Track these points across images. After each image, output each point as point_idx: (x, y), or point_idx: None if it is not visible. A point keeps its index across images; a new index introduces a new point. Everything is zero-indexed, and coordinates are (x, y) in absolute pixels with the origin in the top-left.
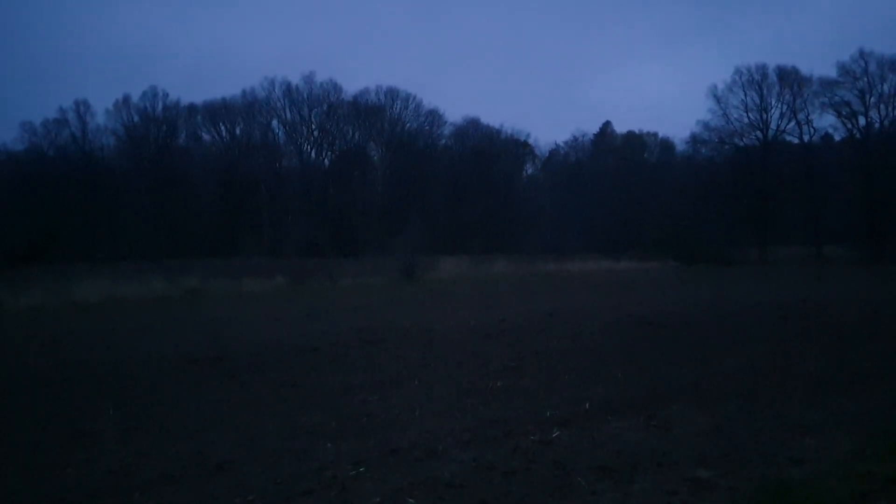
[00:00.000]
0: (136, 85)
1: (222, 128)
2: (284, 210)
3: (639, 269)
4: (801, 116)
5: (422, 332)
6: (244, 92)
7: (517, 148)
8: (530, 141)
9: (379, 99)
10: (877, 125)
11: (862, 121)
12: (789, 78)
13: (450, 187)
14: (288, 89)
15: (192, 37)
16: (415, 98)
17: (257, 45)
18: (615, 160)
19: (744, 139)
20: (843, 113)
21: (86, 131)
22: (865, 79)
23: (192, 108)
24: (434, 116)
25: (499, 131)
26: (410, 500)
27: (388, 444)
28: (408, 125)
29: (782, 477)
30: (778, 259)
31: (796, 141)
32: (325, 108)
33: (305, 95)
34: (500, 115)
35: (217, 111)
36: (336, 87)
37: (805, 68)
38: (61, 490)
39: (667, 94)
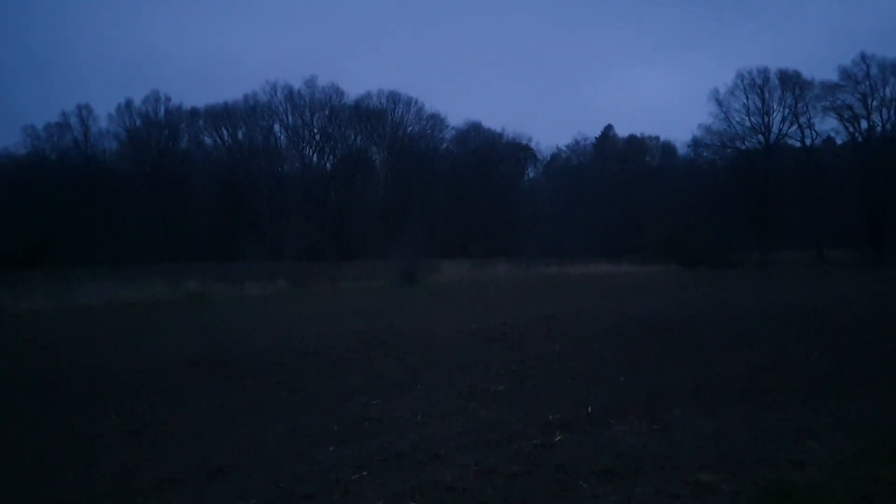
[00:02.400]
0: (138, 89)
1: (224, 132)
2: (286, 214)
3: (640, 273)
4: (802, 120)
5: (423, 336)
6: (246, 96)
7: (519, 151)
8: (532, 144)
9: (381, 103)
10: (878, 129)
11: (864, 124)
12: (791, 82)
13: (451, 191)
14: (290, 93)
15: (195, 41)
16: (416, 102)
17: (259, 50)
18: (617, 164)
19: (745, 143)
20: (845, 116)
21: (88, 135)
22: (867, 82)
23: (194, 112)
24: (436, 120)
25: (500, 135)
26: None
27: (390, 448)
28: (409, 129)
29: (784, 480)
30: (779, 262)
31: (798, 144)
32: (326, 112)
33: (307, 99)
34: (502, 118)
35: (219, 115)
36: (338, 92)
37: (807, 72)
38: (62, 493)
39: (668, 98)
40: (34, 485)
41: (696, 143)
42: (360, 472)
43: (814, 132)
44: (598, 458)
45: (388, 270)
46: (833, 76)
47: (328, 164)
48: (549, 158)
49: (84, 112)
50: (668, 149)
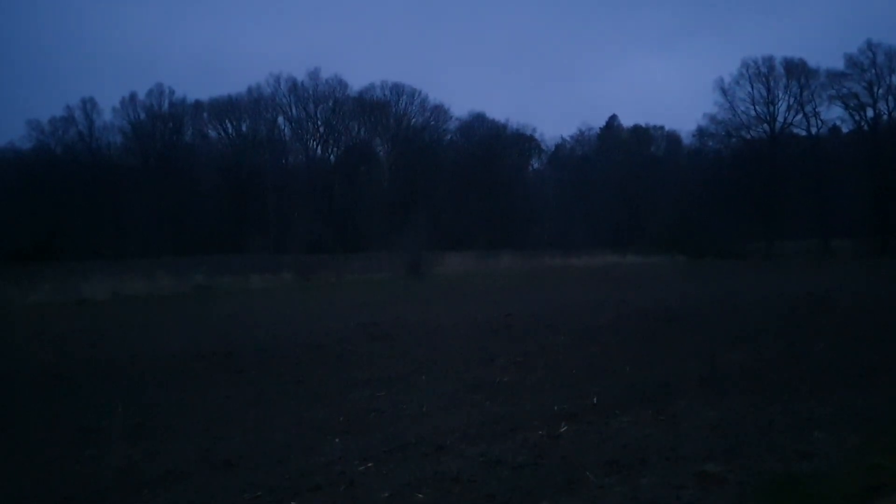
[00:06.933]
0: (142, 82)
1: (228, 125)
2: (290, 206)
3: (645, 264)
4: (808, 109)
5: (428, 328)
6: (250, 89)
7: (523, 142)
8: (536, 135)
9: (384, 94)
10: (885, 117)
11: (870, 113)
12: (796, 70)
13: (455, 182)
14: (293, 86)
15: (198, 34)
16: (420, 93)
17: (263, 42)
18: (621, 154)
19: (751, 132)
20: (851, 105)
21: (92, 129)
22: (873, 70)
23: (198, 105)
24: (439, 111)
25: (504, 126)
26: (418, 496)
27: (396, 440)
28: (413, 120)
29: (791, 471)
30: (785, 252)
31: (804, 133)
32: (330, 104)
33: (311, 92)
34: (506, 109)
35: (223, 108)
36: (341, 84)
37: (812, 60)
38: (70, 487)
39: (673, 88)
40: (41, 478)
41: (701, 133)
42: (366, 463)
43: (819, 121)
44: (603, 449)
45: (393, 263)
46: (839, 64)
47: (332, 156)
48: (553, 149)
49: (88, 106)
50: (673, 139)
